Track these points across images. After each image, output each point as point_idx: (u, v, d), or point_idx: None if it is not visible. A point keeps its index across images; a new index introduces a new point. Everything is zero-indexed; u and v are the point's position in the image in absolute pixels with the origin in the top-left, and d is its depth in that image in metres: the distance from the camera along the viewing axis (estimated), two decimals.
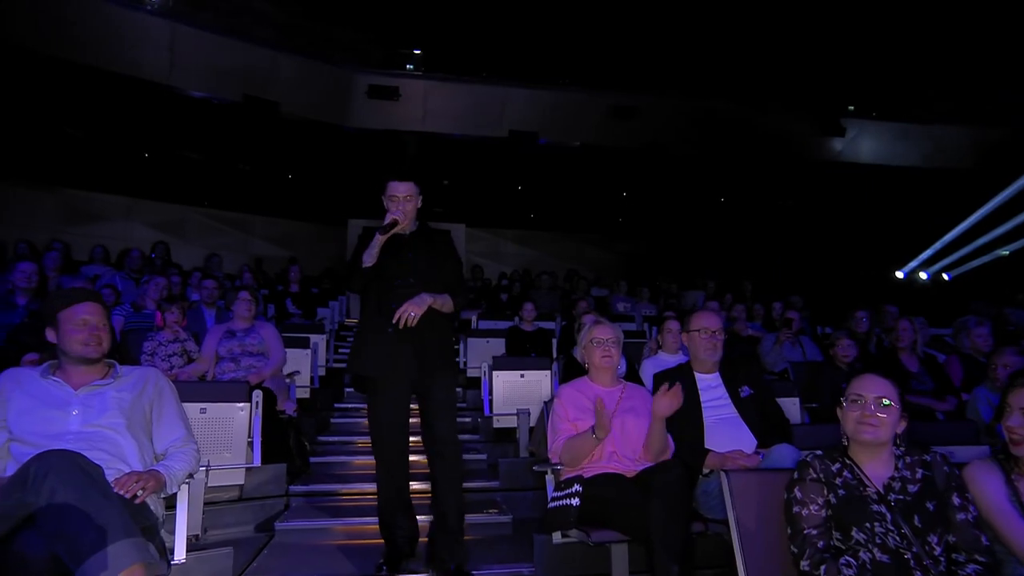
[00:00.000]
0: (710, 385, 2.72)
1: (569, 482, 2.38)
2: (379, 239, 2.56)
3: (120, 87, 8.20)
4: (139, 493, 1.80)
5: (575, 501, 2.28)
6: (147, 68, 8.15)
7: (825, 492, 1.72)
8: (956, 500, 1.69)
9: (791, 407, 3.54)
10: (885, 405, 1.73)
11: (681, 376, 2.77)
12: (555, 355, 5.72)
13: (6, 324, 3.97)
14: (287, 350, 4.56)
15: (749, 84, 9.96)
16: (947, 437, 2.99)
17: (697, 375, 2.76)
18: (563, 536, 2.41)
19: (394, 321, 2.52)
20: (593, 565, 2.53)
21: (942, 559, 1.62)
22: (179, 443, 2.12)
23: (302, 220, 11.97)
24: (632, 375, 3.89)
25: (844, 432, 1.80)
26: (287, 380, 4.50)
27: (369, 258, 2.56)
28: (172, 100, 8.67)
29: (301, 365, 5.19)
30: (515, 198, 12.41)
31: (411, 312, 2.52)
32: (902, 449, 1.78)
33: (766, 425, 2.59)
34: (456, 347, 6.17)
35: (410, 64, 9.79)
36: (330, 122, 9.68)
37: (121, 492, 1.74)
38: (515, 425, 4.18)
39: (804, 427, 3.06)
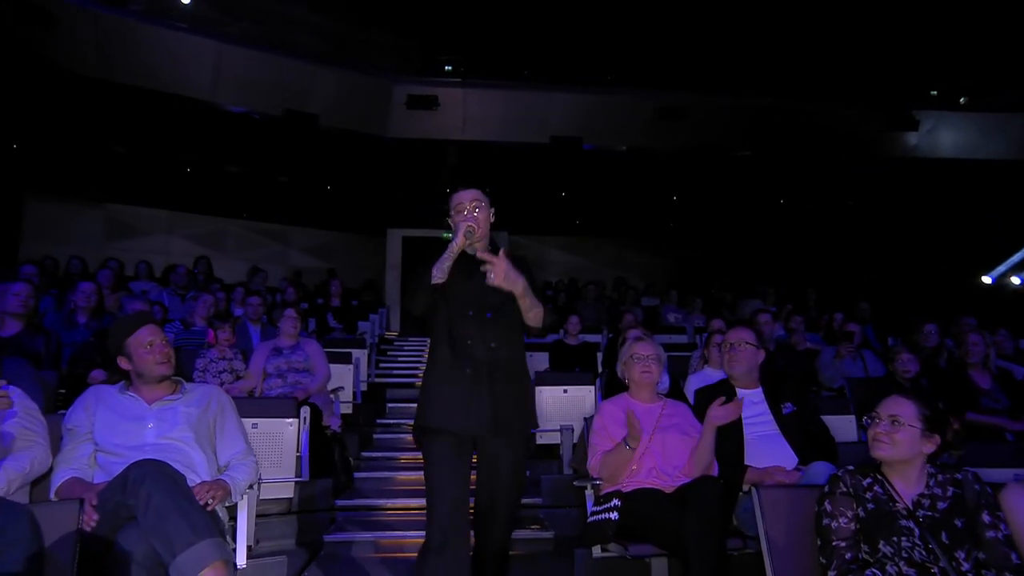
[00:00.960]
0: (752, 401, 2.87)
1: (608, 496, 2.59)
2: (452, 249, 2.25)
3: (165, 105, 8.90)
4: (210, 501, 2.13)
5: (614, 515, 2.49)
6: (191, 86, 8.82)
7: (855, 506, 1.89)
8: (987, 518, 1.83)
9: (846, 425, 3.62)
10: (896, 425, 1.88)
11: (723, 392, 2.94)
12: (599, 369, 5.89)
13: (70, 343, 4.47)
14: (330, 365, 4.91)
15: (806, 78, 9.86)
16: (1013, 459, 3.04)
17: (739, 391, 2.92)
18: (602, 550, 2.62)
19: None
20: None
21: (970, 575, 1.76)
22: (240, 456, 2.45)
23: (341, 231, 12.53)
24: (676, 392, 4.05)
25: None
26: (331, 396, 4.85)
27: (440, 272, 2.24)
28: (214, 116, 9.32)
29: (344, 380, 5.49)
30: (559, 204, 12.59)
31: (497, 271, 2.19)
32: (936, 467, 1.93)
33: (807, 442, 2.73)
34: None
35: (448, 66, 10.10)
36: (369, 133, 10.14)
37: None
38: (558, 441, 4.39)
39: (854, 445, 3.15)
